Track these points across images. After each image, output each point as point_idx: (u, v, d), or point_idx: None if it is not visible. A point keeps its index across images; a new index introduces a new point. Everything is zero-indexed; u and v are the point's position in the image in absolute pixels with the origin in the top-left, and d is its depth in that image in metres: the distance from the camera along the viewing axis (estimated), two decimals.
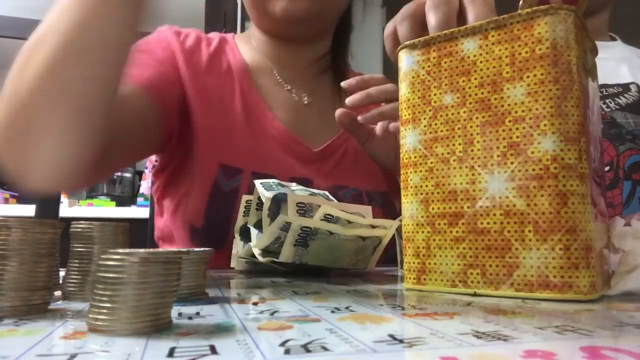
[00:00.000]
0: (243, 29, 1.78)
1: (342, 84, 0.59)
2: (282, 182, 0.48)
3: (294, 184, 0.50)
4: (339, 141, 0.70)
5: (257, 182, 0.46)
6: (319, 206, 0.43)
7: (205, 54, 0.67)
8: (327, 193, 0.52)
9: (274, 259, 0.42)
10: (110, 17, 0.40)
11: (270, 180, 0.47)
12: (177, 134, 0.63)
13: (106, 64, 0.42)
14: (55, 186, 0.48)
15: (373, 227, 0.44)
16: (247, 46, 0.72)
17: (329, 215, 0.41)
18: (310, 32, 0.69)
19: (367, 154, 0.63)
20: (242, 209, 0.50)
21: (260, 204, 0.46)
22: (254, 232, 0.47)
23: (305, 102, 0.71)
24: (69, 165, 0.43)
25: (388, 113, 0.56)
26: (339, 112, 0.59)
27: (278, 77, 0.70)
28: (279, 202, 0.43)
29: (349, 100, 0.57)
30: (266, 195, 0.44)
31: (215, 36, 0.72)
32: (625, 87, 0.82)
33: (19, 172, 0.43)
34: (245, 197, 0.50)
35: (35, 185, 0.45)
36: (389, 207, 0.69)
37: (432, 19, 0.39)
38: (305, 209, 0.43)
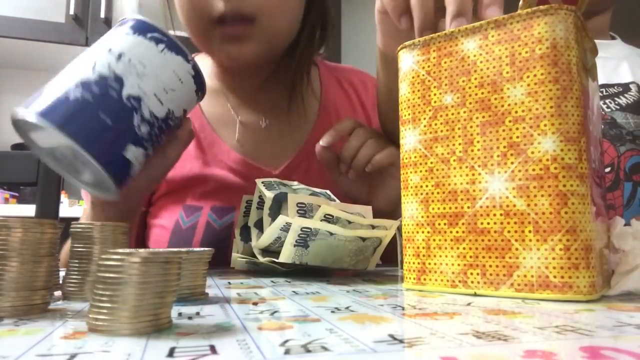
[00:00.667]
0: None
1: (322, 143, 0.59)
2: (284, 181, 0.48)
3: (295, 182, 0.50)
4: (300, 157, 0.67)
5: (259, 181, 0.46)
6: (319, 206, 0.43)
7: None
8: (328, 192, 0.52)
9: (274, 259, 0.42)
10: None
11: (272, 179, 0.47)
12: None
13: None
14: None
15: (373, 227, 0.44)
16: (203, 70, 0.71)
17: (329, 215, 0.41)
18: (263, 64, 0.67)
19: (340, 188, 0.62)
20: (242, 209, 0.50)
21: (261, 202, 0.46)
22: (254, 231, 0.47)
23: (263, 126, 0.69)
24: None
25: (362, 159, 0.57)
26: (318, 147, 0.59)
27: (233, 105, 0.69)
28: (279, 201, 0.43)
29: (322, 141, 0.59)
30: (267, 194, 0.44)
31: None
32: (626, 87, 0.81)
33: None
34: (245, 197, 0.50)
35: None
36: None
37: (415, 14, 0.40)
38: (305, 209, 0.43)
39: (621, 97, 0.80)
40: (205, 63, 0.72)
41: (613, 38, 0.92)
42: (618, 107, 0.79)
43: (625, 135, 0.76)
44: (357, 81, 0.78)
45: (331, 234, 0.40)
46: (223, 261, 0.56)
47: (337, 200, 0.51)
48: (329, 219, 0.41)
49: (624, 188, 0.75)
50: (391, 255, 0.52)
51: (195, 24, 0.58)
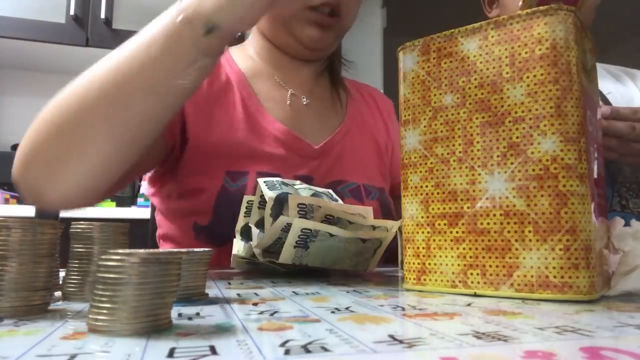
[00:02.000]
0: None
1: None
2: (286, 181, 0.48)
3: (298, 181, 0.50)
4: (336, 138, 0.72)
5: (261, 181, 0.46)
6: (320, 207, 0.43)
7: None
8: (330, 192, 0.52)
9: (274, 260, 0.42)
10: (178, 62, 0.42)
11: (274, 179, 0.47)
12: (178, 148, 0.65)
13: (163, 105, 0.44)
14: (72, 206, 0.50)
15: (374, 227, 0.44)
16: (243, 56, 0.76)
17: (330, 215, 0.41)
18: (321, 57, 0.75)
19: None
20: (243, 209, 0.50)
21: (262, 202, 0.46)
22: (255, 231, 0.47)
23: (304, 103, 0.74)
24: (92, 190, 0.47)
25: None
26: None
27: (278, 80, 0.74)
28: (281, 202, 0.43)
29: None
30: (269, 194, 0.44)
31: None
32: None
33: (41, 191, 0.46)
34: (246, 198, 0.50)
35: (53, 204, 0.48)
36: (384, 201, 0.73)
37: None
38: (306, 210, 0.43)
39: None
40: (243, 49, 0.77)
41: None
42: None
43: None
44: (375, 95, 0.87)
45: (331, 235, 0.40)
46: None
47: (340, 201, 0.51)
48: (329, 219, 0.41)
49: None
50: (394, 255, 0.52)
51: (292, 5, 0.63)
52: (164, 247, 0.68)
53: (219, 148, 0.65)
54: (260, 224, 0.46)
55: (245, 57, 0.75)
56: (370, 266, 0.46)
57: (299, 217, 0.42)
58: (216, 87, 0.68)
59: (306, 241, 0.40)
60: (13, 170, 0.47)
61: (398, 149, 0.83)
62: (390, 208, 0.73)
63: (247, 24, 0.43)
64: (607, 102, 0.89)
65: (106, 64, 0.44)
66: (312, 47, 0.69)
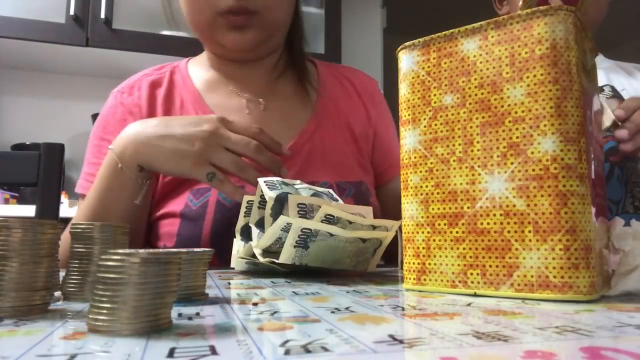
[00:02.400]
0: None
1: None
2: (286, 180, 0.48)
3: (298, 181, 0.50)
4: (303, 139, 0.72)
5: (261, 180, 0.46)
6: (319, 206, 0.43)
7: (160, 99, 0.72)
8: (331, 191, 0.52)
9: (274, 260, 0.42)
10: (131, 191, 0.59)
11: (274, 179, 0.47)
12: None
13: (133, 215, 0.62)
14: None
15: (374, 227, 0.44)
16: (201, 68, 0.77)
17: (330, 215, 0.41)
18: (262, 54, 0.74)
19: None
20: (243, 209, 0.50)
21: (262, 202, 0.46)
22: (255, 231, 0.47)
23: (263, 108, 0.73)
24: None
25: None
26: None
27: (233, 89, 0.74)
28: (281, 202, 0.43)
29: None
30: (269, 194, 0.44)
31: (166, 70, 0.77)
32: (600, 89, 0.86)
33: None
34: (246, 198, 0.50)
35: None
36: (360, 196, 0.71)
37: None
38: (306, 210, 0.43)
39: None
40: (201, 60, 0.78)
41: None
42: None
43: None
44: (354, 78, 0.83)
45: (331, 235, 0.40)
46: None
47: (340, 200, 0.51)
48: (329, 219, 0.41)
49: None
50: (394, 255, 0.52)
51: (202, 15, 0.66)
52: None
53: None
54: (260, 224, 0.46)
55: (202, 70, 0.76)
56: (370, 266, 0.46)
57: (299, 217, 0.42)
58: (171, 113, 0.71)
59: (306, 241, 0.40)
60: None
61: (384, 131, 0.80)
62: (368, 201, 0.71)
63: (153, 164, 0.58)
64: (620, 98, 0.90)
65: (84, 210, 0.62)
66: (238, 50, 0.70)
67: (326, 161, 0.71)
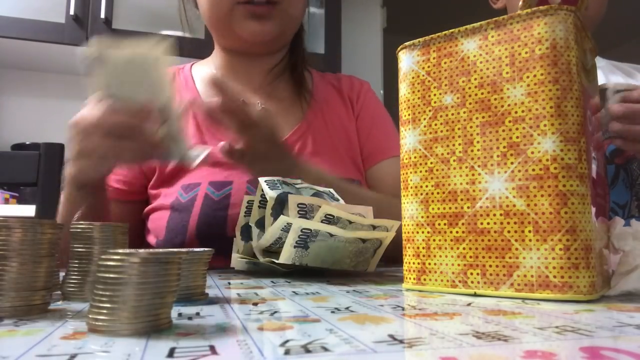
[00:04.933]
0: None
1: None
2: (286, 180, 0.48)
3: (299, 180, 0.50)
4: (294, 137, 0.73)
5: (262, 180, 0.46)
6: (319, 206, 0.43)
7: None
8: (332, 191, 0.52)
9: (274, 260, 0.42)
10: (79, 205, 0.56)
11: (275, 178, 0.47)
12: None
13: None
14: None
15: (374, 227, 0.43)
16: (204, 69, 0.78)
17: (330, 215, 0.41)
18: (273, 49, 0.75)
19: None
20: (243, 209, 0.50)
21: (263, 202, 0.46)
22: (255, 231, 0.47)
23: (259, 108, 0.75)
24: None
25: None
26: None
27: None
28: (282, 201, 0.43)
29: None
30: (270, 194, 0.44)
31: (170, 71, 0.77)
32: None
33: None
34: (246, 198, 0.50)
35: None
36: None
37: None
38: (306, 209, 0.43)
39: None
40: (205, 61, 0.80)
41: None
42: None
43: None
44: (344, 83, 0.85)
45: (331, 235, 0.40)
46: (224, 231, 0.60)
47: (341, 200, 0.51)
48: (329, 219, 0.41)
49: (607, 170, 0.78)
50: (396, 256, 0.52)
51: (222, 3, 0.67)
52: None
53: (175, 168, 0.68)
54: (260, 224, 0.46)
55: (205, 70, 0.77)
56: (370, 266, 0.46)
57: (299, 217, 0.42)
58: None
59: (306, 241, 0.40)
60: None
61: (365, 131, 0.80)
62: None
63: (98, 176, 0.55)
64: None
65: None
66: (255, 41, 0.70)
67: (319, 158, 0.72)
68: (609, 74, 0.99)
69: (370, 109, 0.82)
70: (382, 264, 0.50)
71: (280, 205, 0.43)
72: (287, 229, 0.40)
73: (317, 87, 0.81)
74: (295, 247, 0.40)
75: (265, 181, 0.46)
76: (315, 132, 0.75)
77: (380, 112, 0.84)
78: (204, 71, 0.78)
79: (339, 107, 0.80)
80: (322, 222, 0.41)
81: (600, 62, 1.02)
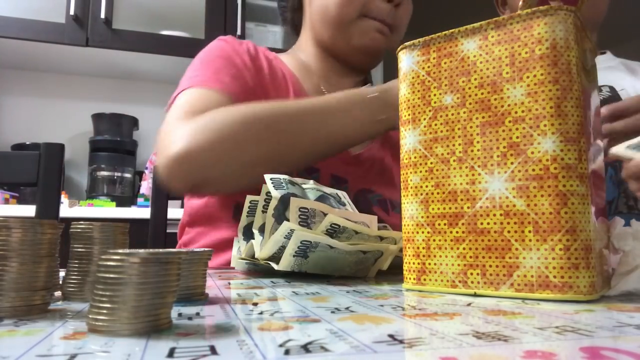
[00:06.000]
0: (243, 31, 1.79)
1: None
2: (293, 180, 0.47)
3: (311, 181, 0.50)
4: (372, 150, 0.77)
5: (267, 177, 0.46)
6: (322, 212, 0.42)
7: (265, 64, 0.75)
8: (338, 193, 0.51)
9: (273, 265, 0.42)
10: (348, 126, 0.59)
11: (281, 177, 0.46)
12: None
13: (326, 153, 0.61)
14: (227, 192, 0.65)
15: (382, 239, 0.43)
16: (293, 62, 0.80)
17: (336, 224, 0.40)
18: (373, 64, 0.79)
19: None
20: (245, 208, 0.50)
21: (266, 206, 0.46)
22: (257, 239, 0.46)
23: None
24: (246, 184, 0.57)
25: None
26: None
27: (323, 90, 0.78)
28: (285, 203, 0.43)
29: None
30: (274, 194, 0.43)
31: (262, 49, 0.80)
32: (597, 88, 0.85)
33: (210, 178, 0.56)
34: (249, 198, 0.50)
35: (216, 191, 0.63)
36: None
37: None
38: (307, 214, 0.42)
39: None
40: (294, 57, 0.82)
41: (602, 53, 1.02)
42: None
43: None
44: None
45: (331, 247, 0.39)
46: None
47: (348, 205, 0.50)
48: (335, 228, 0.41)
49: None
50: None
51: (351, 7, 0.71)
52: (192, 235, 0.72)
53: None
54: (262, 230, 0.46)
55: (295, 64, 0.79)
56: (370, 273, 0.46)
57: (300, 222, 0.42)
58: (274, 80, 0.73)
59: (305, 251, 0.40)
60: (186, 149, 0.54)
61: None
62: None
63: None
64: (618, 98, 0.88)
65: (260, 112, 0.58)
66: (369, 53, 0.73)
67: (383, 176, 0.77)
68: (614, 72, 0.97)
69: None
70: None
71: (283, 206, 0.43)
72: (289, 235, 0.40)
73: None
74: (294, 256, 0.40)
75: (271, 179, 0.45)
76: (385, 150, 0.80)
77: None
78: (290, 61, 0.78)
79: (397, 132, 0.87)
80: (327, 231, 0.40)
81: (611, 61, 1.01)
